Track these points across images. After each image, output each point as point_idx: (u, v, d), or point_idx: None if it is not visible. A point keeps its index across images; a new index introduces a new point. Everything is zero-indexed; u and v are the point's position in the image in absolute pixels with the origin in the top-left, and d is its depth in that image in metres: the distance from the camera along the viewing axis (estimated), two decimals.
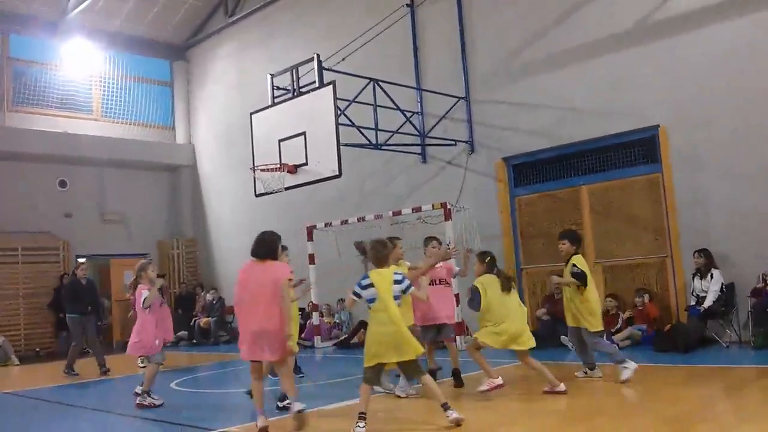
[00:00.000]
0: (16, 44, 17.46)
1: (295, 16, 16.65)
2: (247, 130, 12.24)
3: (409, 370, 5.88)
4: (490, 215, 12.47)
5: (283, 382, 6.01)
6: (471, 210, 12.14)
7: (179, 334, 16.77)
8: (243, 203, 17.06)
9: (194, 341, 16.53)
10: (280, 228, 16.99)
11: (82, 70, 18.16)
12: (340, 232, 12.86)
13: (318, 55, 11.13)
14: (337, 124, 10.44)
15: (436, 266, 7.90)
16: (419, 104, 13.44)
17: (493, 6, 12.72)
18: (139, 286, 7.99)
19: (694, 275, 9.90)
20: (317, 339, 13.69)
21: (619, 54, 11.01)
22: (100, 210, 18.21)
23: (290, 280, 6.02)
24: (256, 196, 11.85)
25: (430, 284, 7.80)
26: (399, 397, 7.19)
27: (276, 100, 11.71)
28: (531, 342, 6.92)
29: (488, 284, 6.92)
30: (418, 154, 13.57)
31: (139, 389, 7.84)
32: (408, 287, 5.97)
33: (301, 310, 14.73)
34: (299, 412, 5.69)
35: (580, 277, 7.41)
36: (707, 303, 9.55)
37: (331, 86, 10.56)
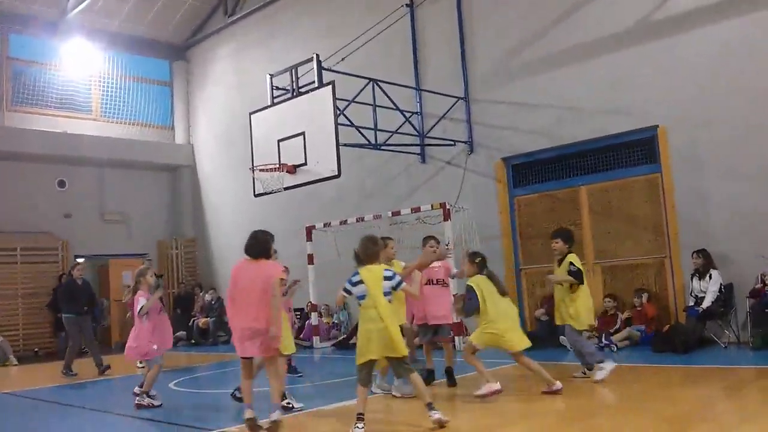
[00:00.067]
0: (15, 44, 17.46)
1: (294, 16, 16.65)
2: (246, 130, 12.24)
3: (399, 367, 5.87)
4: (490, 215, 12.46)
5: (271, 383, 5.99)
6: (470, 210, 12.15)
7: (178, 334, 16.76)
8: (242, 203, 17.06)
9: (193, 341, 16.52)
10: (280, 228, 17.04)
11: (81, 70, 18.17)
12: (339, 232, 12.85)
13: (317, 55, 11.13)
14: (337, 124, 10.44)
15: (435, 267, 7.91)
16: (418, 104, 13.44)
17: (492, 6, 12.72)
18: (138, 292, 7.96)
19: (692, 276, 9.89)
20: (316, 339, 13.68)
21: (618, 54, 11.01)
22: (100, 210, 18.21)
23: (282, 279, 6.00)
24: (256, 196, 11.85)
25: (428, 284, 7.83)
26: (395, 396, 7.18)
27: (275, 100, 11.71)
28: (525, 342, 6.90)
29: (481, 284, 6.90)
30: (418, 154, 13.56)
31: (138, 389, 7.84)
32: (399, 283, 5.96)
33: (299, 310, 14.77)
34: (274, 421, 5.74)
35: (577, 276, 7.44)
36: (706, 303, 9.54)
37: (330, 86, 10.57)
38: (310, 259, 13.69)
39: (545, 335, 10.40)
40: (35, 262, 16.49)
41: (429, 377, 7.90)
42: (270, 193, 11.43)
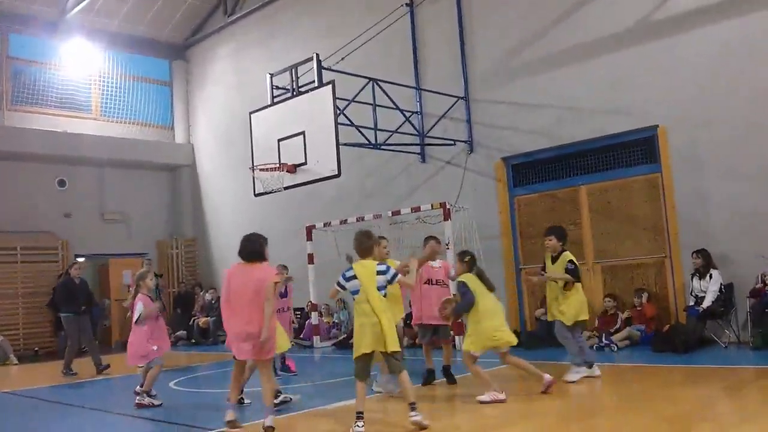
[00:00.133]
0: (15, 43, 17.46)
1: (294, 16, 16.65)
2: (246, 130, 12.23)
3: (392, 363, 5.87)
4: (490, 215, 12.46)
5: (264, 386, 5.99)
6: (470, 210, 12.15)
7: (178, 333, 16.80)
8: (242, 203, 17.06)
9: (193, 341, 16.53)
10: (280, 228, 17.09)
11: (81, 70, 18.17)
12: (340, 231, 12.84)
13: (317, 55, 11.13)
14: (337, 124, 10.43)
15: (435, 267, 7.93)
16: (418, 104, 13.43)
17: (492, 6, 12.71)
18: (138, 295, 8.04)
19: (693, 275, 9.89)
20: (316, 339, 13.69)
21: (618, 54, 11.01)
22: (100, 209, 18.21)
23: (276, 283, 6.00)
24: (256, 195, 11.85)
25: (427, 283, 7.86)
26: (391, 396, 7.18)
27: (275, 100, 11.70)
28: (513, 339, 6.93)
29: (471, 282, 6.90)
30: (418, 153, 13.56)
31: (138, 389, 7.87)
32: (394, 276, 5.98)
33: (300, 310, 14.78)
34: (268, 427, 5.75)
35: (575, 274, 7.49)
36: (706, 303, 9.54)
37: (330, 86, 10.56)
38: (311, 258, 13.70)
39: (545, 335, 10.39)
40: (35, 262, 16.50)
41: (429, 377, 7.92)
42: (270, 192, 11.42)
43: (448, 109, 12.92)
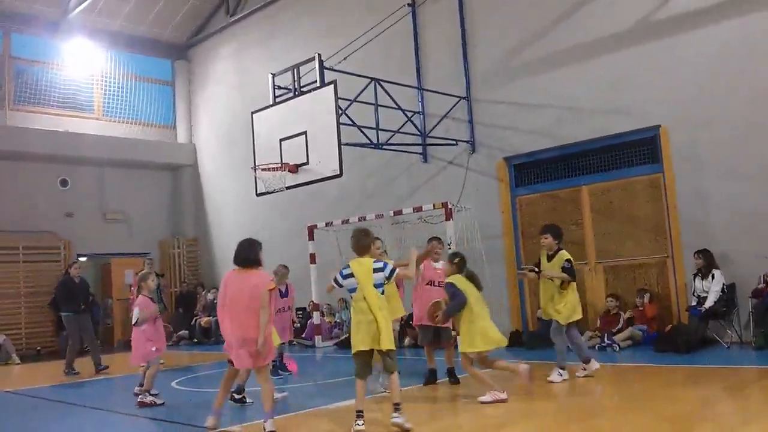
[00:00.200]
0: (17, 43, 17.49)
1: (296, 16, 16.66)
2: (248, 130, 12.24)
3: (386, 361, 5.85)
4: (491, 215, 12.46)
5: (263, 393, 5.99)
6: (472, 210, 12.15)
7: (180, 333, 16.81)
8: (244, 203, 17.08)
9: (195, 340, 16.55)
10: (281, 227, 17.08)
11: (83, 70, 18.20)
12: (341, 231, 12.85)
13: (319, 55, 11.13)
14: (338, 124, 10.44)
15: (437, 268, 7.94)
16: (420, 104, 13.43)
17: (493, 6, 12.71)
18: (138, 297, 8.25)
19: (695, 275, 9.88)
20: (318, 338, 13.70)
21: (618, 54, 11.00)
22: (102, 209, 18.23)
23: (271, 290, 5.99)
24: (257, 195, 11.86)
25: (428, 285, 7.88)
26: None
27: (277, 100, 11.71)
28: (503, 341, 6.96)
29: (460, 283, 6.89)
30: (419, 153, 13.56)
31: (138, 389, 7.91)
32: (392, 271, 5.97)
33: (301, 310, 14.79)
34: None
35: (571, 273, 7.53)
36: (708, 303, 9.52)
37: (332, 86, 10.56)
38: (312, 258, 13.70)
39: (546, 334, 10.36)
40: (37, 261, 16.53)
41: (431, 377, 7.92)
42: (272, 192, 11.42)
43: (450, 109, 12.92)
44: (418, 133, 12.98)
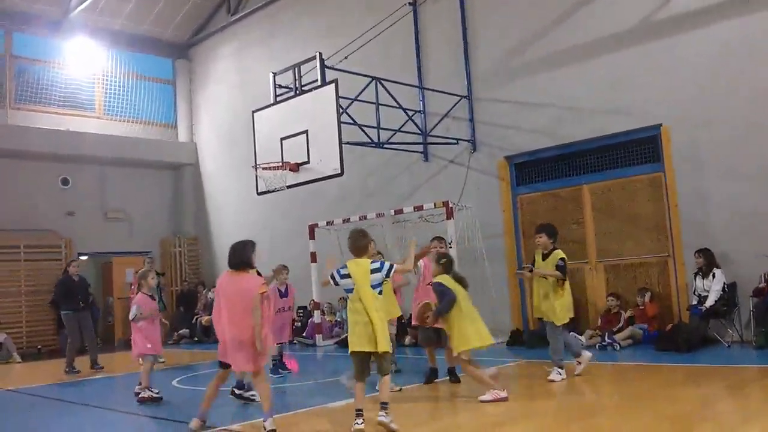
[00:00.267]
0: (19, 42, 17.48)
1: (297, 15, 16.66)
2: (249, 129, 12.24)
3: (380, 363, 5.83)
4: (492, 214, 12.46)
5: (260, 394, 5.98)
6: (473, 209, 12.16)
7: (181, 331, 16.81)
8: (245, 202, 17.08)
9: (196, 339, 16.54)
10: (282, 226, 17.08)
11: (84, 68, 18.21)
12: (342, 230, 12.86)
13: (320, 54, 11.13)
14: (339, 123, 10.44)
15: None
16: (421, 103, 13.43)
17: (494, 5, 12.71)
18: (138, 294, 8.44)
19: (695, 275, 9.88)
20: (318, 337, 13.71)
21: (620, 53, 11.00)
22: (103, 208, 18.24)
23: (263, 293, 5.99)
24: (258, 194, 11.87)
25: (428, 285, 7.84)
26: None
27: (278, 99, 11.71)
28: (491, 340, 6.95)
29: (448, 282, 6.88)
30: (420, 152, 13.56)
31: (137, 388, 7.97)
32: (390, 268, 5.95)
33: (302, 308, 14.80)
34: (270, 431, 5.74)
35: (563, 271, 7.57)
36: (709, 302, 9.53)
37: (333, 84, 10.56)
38: (313, 257, 13.70)
39: (546, 334, 10.37)
40: (38, 260, 16.53)
41: (432, 375, 7.93)
42: (273, 191, 11.43)
43: (451, 108, 12.91)
44: (419, 132, 12.98)
